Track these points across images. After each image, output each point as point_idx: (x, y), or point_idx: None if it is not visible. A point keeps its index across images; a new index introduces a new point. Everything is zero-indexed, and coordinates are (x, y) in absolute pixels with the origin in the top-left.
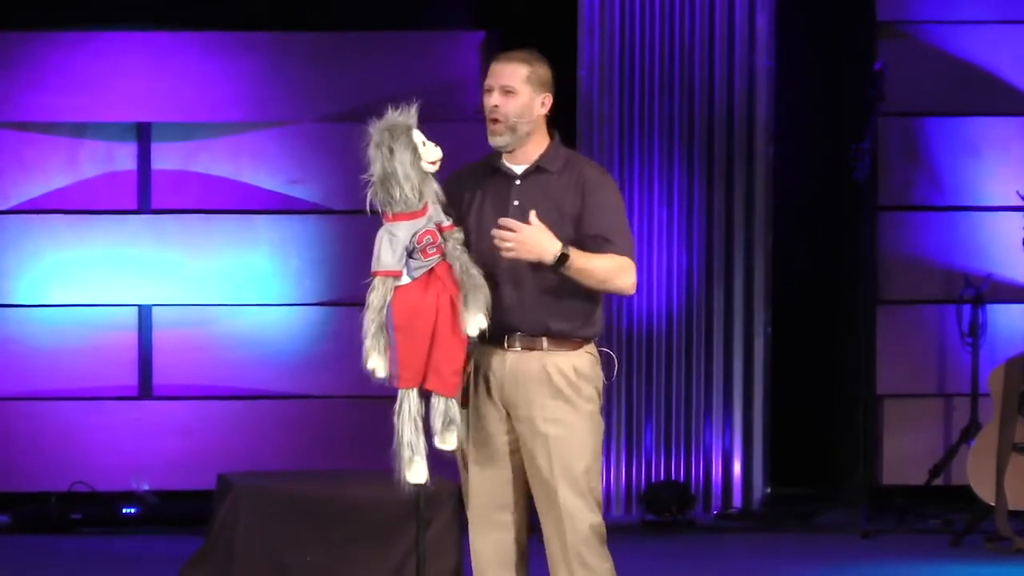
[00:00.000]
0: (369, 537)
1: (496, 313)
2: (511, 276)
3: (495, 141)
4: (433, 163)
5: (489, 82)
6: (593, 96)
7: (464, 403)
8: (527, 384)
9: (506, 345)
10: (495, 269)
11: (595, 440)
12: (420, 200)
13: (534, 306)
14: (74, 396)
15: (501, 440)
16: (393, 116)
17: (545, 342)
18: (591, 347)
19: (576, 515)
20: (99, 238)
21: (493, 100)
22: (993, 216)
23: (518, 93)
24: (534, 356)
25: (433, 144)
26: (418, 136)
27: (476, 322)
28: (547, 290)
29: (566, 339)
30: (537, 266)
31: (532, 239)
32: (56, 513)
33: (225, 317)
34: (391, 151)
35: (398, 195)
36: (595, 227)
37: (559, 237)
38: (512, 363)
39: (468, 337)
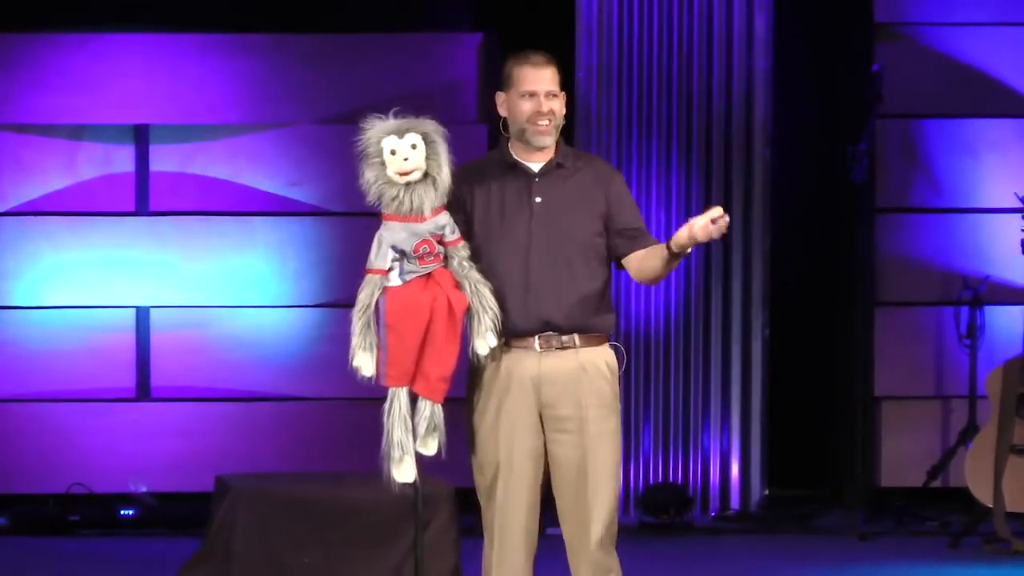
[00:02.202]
0: (367, 538)
1: (517, 315)
2: (526, 277)
3: (544, 141)
4: (404, 173)
5: (531, 88)
6: (591, 98)
7: (498, 407)
8: (565, 383)
9: (538, 347)
10: (512, 271)
11: (620, 437)
12: (412, 206)
13: (551, 303)
14: (72, 398)
15: (533, 444)
16: (372, 125)
17: (577, 338)
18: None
19: (602, 514)
20: (97, 240)
21: (546, 105)
22: (991, 218)
23: (560, 95)
24: (567, 354)
25: (409, 151)
26: (389, 143)
27: (487, 342)
28: (557, 287)
29: (595, 334)
30: (562, 259)
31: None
32: (54, 515)
33: (223, 319)
34: (365, 161)
35: (383, 198)
36: (625, 221)
37: (586, 228)
38: (547, 364)
39: (456, 345)
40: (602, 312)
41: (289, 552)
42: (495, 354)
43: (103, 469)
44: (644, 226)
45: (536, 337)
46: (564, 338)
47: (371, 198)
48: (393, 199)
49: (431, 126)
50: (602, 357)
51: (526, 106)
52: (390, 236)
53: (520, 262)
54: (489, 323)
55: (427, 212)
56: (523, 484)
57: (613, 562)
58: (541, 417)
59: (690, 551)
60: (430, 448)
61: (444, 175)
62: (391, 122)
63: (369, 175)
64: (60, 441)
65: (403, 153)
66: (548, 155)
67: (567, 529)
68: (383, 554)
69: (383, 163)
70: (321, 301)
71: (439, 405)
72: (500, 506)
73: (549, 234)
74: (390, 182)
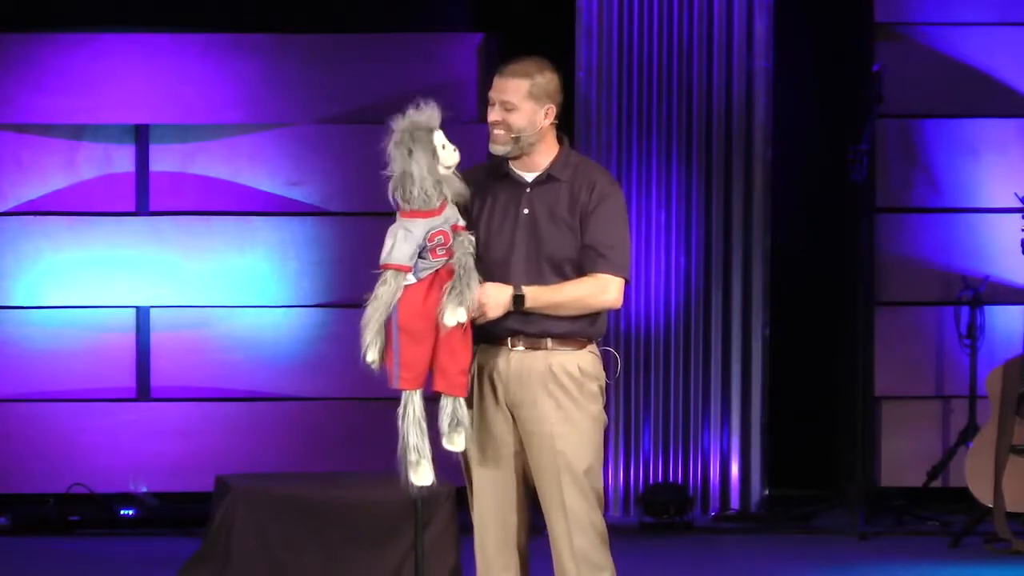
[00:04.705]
0: (367, 539)
1: (491, 323)
2: (514, 282)
3: (496, 150)
4: (448, 168)
5: (491, 95)
6: (591, 98)
7: (468, 404)
8: (531, 383)
9: (510, 345)
10: (500, 275)
11: (598, 439)
12: (438, 200)
13: (521, 315)
14: (72, 398)
15: (505, 441)
16: (416, 116)
17: (549, 341)
18: (594, 346)
19: (581, 515)
20: (97, 240)
21: (494, 115)
22: (991, 218)
23: (519, 108)
24: (538, 355)
25: (453, 148)
26: (439, 138)
27: (455, 314)
28: None
29: (570, 338)
30: (538, 273)
31: (492, 298)
32: (55, 514)
33: (223, 319)
34: (410, 152)
35: (415, 194)
36: (590, 238)
37: (566, 241)
38: (516, 362)
39: (467, 335)
40: (583, 319)
41: (288, 552)
42: (476, 352)
43: (103, 469)
44: (609, 251)
45: (508, 337)
46: (535, 339)
47: (398, 193)
48: (421, 195)
49: (434, 111)
50: (575, 360)
51: (488, 112)
52: (418, 232)
53: (500, 272)
54: (466, 299)
55: (448, 200)
56: (494, 480)
57: (604, 560)
58: (513, 415)
59: (690, 551)
60: (456, 444)
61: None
62: (431, 116)
63: (415, 169)
64: (60, 441)
65: (450, 146)
66: (542, 165)
67: (549, 528)
68: (383, 554)
69: (433, 156)
70: (321, 301)
71: (462, 400)
72: (476, 501)
73: (530, 245)
74: (423, 178)
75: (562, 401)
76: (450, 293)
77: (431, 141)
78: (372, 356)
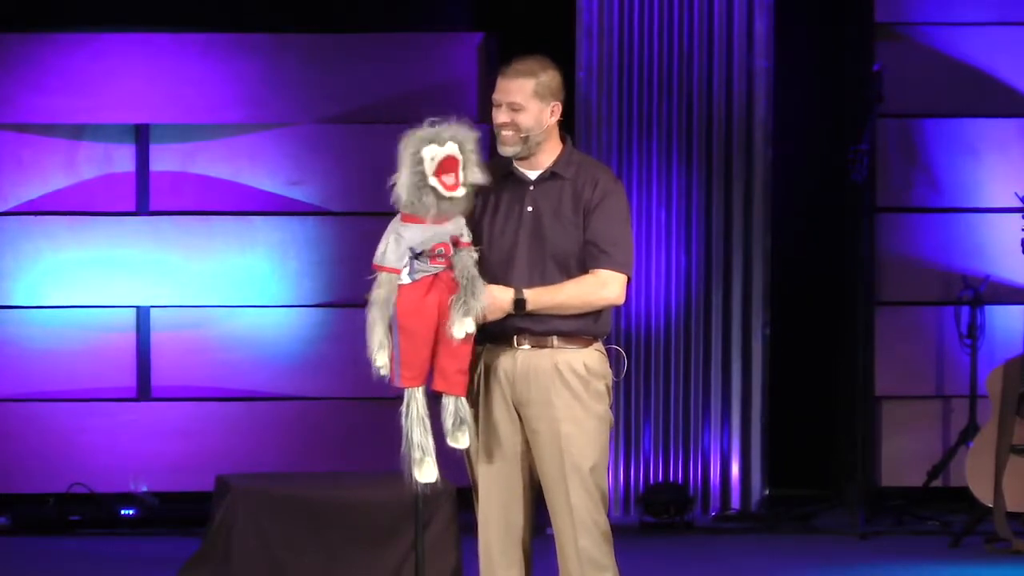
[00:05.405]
0: (368, 538)
1: (495, 323)
2: (519, 280)
3: (505, 151)
4: (450, 188)
5: (497, 97)
6: (591, 97)
7: (474, 403)
8: (538, 381)
9: (516, 344)
10: (504, 273)
11: (604, 437)
12: (432, 211)
13: (526, 313)
14: (72, 398)
15: (512, 440)
16: (420, 130)
17: (555, 340)
18: (600, 344)
19: (585, 515)
20: (97, 240)
21: (501, 117)
22: (991, 217)
23: (526, 108)
24: (544, 353)
25: (444, 155)
26: (429, 152)
27: (463, 326)
28: None
29: (575, 336)
30: (543, 270)
31: (494, 301)
32: (55, 514)
33: (224, 319)
34: (400, 160)
35: (404, 198)
36: (592, 234)
37: (570, 238)
38: (523, 361)
39: (469, 336)
40: (586, 316)
41: (289, 552)
42: (482, 352)
43: (103, 469)
44: (612, 247)
45: (514, 336)
46: (541, 338)
47: (395, 195)
48: (424, 204)
49: (466, 133)
50: (582, 358)
51: (494, 115)
52: (410, 236)
53: (504, 270)
54: (472, 310)
55: (450, 216)
56: (499, 480)
57: (608, 560)
58: (519, 414)
59: (690, 551)
60: (460, 442)
61: (477, 180)
62: (430, 130)
63: (406, 181)
64: (60, 441)
65: (440, 156)
66: (546, 164)
67: (554, 526)
68: (383, 554)
69: (415, 168)
70: (321, 301)
71: (463, 399)
72: (481, 500)
73: (534, 243)
74: (404, 186)
75: (568, 400)
76: (455, 305)
77: (417, 153)
78: (382, 360)
